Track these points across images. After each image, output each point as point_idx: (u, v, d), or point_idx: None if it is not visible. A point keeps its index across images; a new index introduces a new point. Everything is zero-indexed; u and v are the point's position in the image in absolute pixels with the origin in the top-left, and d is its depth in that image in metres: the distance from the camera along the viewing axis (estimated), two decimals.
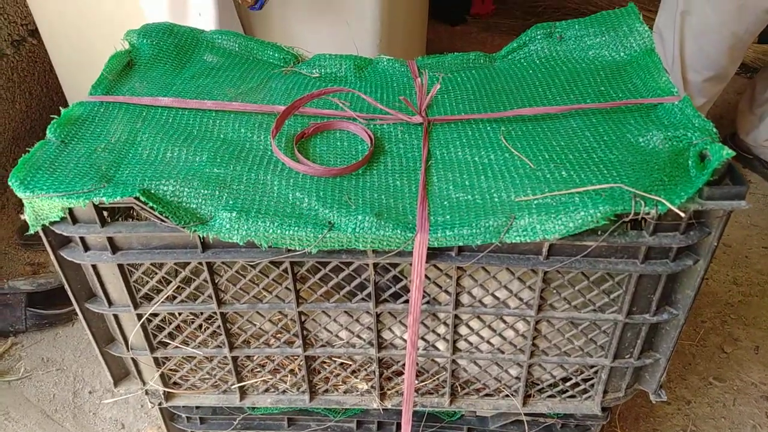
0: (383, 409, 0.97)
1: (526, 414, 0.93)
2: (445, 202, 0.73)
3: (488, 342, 0.83)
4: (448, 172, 0.78)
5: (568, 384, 0.88)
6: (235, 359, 0.87)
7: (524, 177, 0.75)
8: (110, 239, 0.73)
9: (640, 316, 0.77)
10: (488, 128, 0.85)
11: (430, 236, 0.69)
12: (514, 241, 0.68)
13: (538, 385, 0.88)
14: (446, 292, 0.78)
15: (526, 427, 0.89)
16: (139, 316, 0.81)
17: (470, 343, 0.83)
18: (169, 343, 0.85)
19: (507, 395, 0.89)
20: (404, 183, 0.77)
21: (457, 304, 0.79)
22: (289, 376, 0.90)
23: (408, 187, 0.76)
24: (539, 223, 0.67)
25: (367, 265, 0.75)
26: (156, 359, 0.87)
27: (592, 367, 0.85)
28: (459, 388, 0.90)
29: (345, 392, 0.91)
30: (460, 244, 0.69)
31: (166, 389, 0.89)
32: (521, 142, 0.81)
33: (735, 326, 1.66)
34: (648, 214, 0.65)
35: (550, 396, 0.90)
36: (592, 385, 0.88)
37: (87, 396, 1.44)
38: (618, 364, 0.83)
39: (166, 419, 1.01)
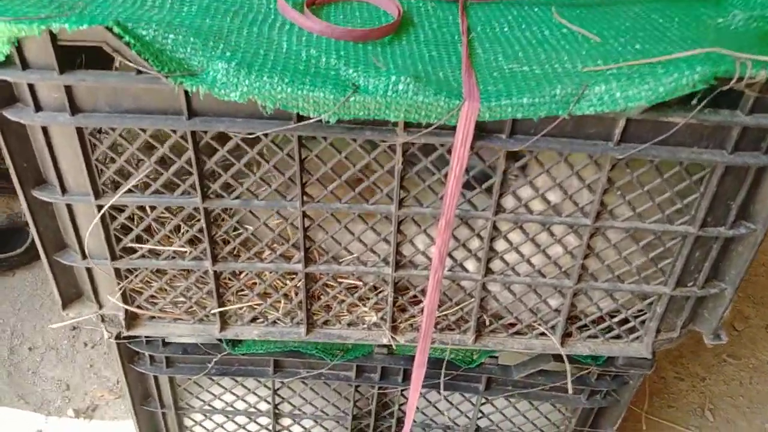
0: (389, 353, 0.84)
1: (558, 361, 0.81)
2: (495, 73, 0.60)
3: (528, 262, 0.70)
4: (495, 45, 0.65)
5: (615, 320, 0.75)
6: (217, 276, 0.72)
7: (590, 49, 0.63)
8: (69, 92, 0.57)
9: (714, 229, 0.65)
10: (535, 9, 0.73)
11: (482, 105, 0.56)
12: (586, 113, 0.55)
13: (579, 320, 0.76)
14: (486, 192, 0.65)
15: (568, 372, 0.76)
16: (101, 209, 0.65)
17: (506, 263, 0.70)
18: (137, 250, 0.70)
19: (543, 333, 0.76)
20: (442, 54, 0.64)
21: (499, 209, 0.66)
22: (283, 301, 0.75)
23: (447, 57, 0.63)
24: (619, 89, 0.55)
25: (393, 150, 0.61)
26: (118, 271, 0.71)
27: (645, 298, 0.73)
28: (485, 324, 0.77)
29: (349, 325, 0.77)
30: (519, 116, 0.56)
31: (129, 308, 0.73)
32: (577, 23, 0.69)
33: (744, 304, 1.58)
34: (753, 78, 0.53)
35: (591, 336, 0.77)
36: (643, 322, 0.75)
37: (26, 353, 1.26)
38: (679, 292, 0.71)
39: (123, 360, 0.84)
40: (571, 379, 0.84)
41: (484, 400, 0.90)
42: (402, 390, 0.89)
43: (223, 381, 0.89)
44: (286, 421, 0.95)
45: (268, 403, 0.91)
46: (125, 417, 1.16)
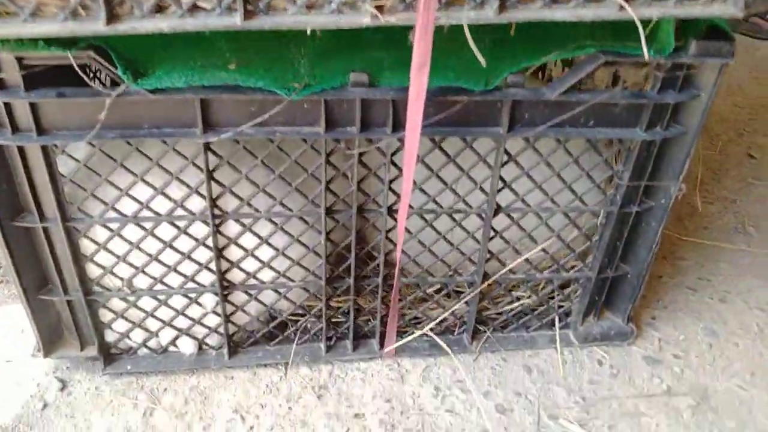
0: (371, 85, 0.60)
1: (610, 62, 0.59)
2: None
3: None
4: None
5: None
6: None
7: None
8: None
9: None
10: None
11: None
12: None
13: None
14: None
15: (641, 30, 0.54)
16: None
17: None
18: None
19: None
20: None
21: None
22: None
23: None
24: None
25: None
26: None
27: None
28: None
29: (308, 7, 0.53)
30: None
31: None
32: None
33: (754, 137, 1.46)
34: None
35: None
36: None
37: None
38: None
39: None
40: (624, 94, 0.63)
41: (505, 158, 0.68)
42: (392, 154, 0.66)
43: (131, 162, 0.63)
44: (232, 229, 0.69)
45: (202, 196, 0.66)
46: (8, 302, 0.88)
